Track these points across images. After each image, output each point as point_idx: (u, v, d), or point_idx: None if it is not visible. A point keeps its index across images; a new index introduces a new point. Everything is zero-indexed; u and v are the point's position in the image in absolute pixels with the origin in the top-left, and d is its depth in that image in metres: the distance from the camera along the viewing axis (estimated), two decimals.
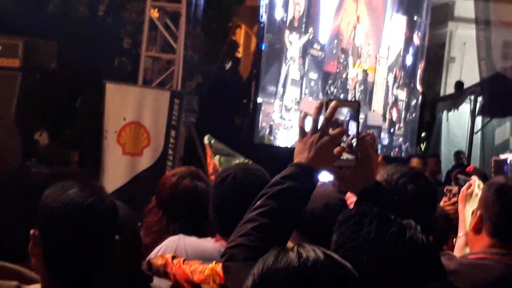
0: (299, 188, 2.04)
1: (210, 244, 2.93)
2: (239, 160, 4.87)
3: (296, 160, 2.10)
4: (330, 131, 2.07)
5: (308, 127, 2.10)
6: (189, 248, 2.90)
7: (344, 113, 2.12)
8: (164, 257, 2.77)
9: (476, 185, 3.56)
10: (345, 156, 2.08)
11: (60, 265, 2.03)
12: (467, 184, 3.66)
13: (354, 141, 2.10)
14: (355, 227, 1.89)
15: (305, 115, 2.17)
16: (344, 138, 2.09)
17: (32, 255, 2.06)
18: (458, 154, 13.61)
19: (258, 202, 2.05)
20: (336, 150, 2.06)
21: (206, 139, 4.83)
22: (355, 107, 2.14)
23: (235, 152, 5.21)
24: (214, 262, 2.67)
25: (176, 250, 2.89)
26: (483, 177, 6.00)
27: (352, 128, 2.10)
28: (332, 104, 2.06)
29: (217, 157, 4.85)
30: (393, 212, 1.96)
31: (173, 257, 2.76)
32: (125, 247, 2.17)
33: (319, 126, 2.08)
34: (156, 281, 2.61)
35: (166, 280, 2.76)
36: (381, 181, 2.79)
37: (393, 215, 1.93)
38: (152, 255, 2.92)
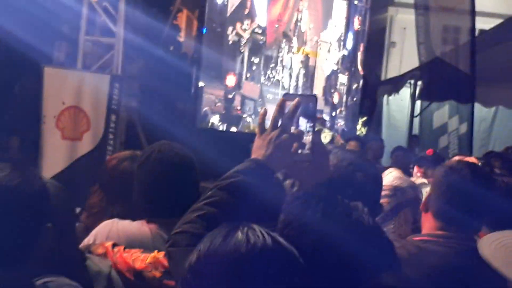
0: (252, 183, 2.01)
1: (142, 227, 2.88)
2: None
3: (253, 156, 2.08)
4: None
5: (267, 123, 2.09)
6: (121, 232, 2.86)
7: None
8: (105, 245, 2.72)
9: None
10: (300, 150, 2.07)
11: None
12: None
13: (309, 135, 2.08)
14: (302, 207, 1.89)
15: (265, 111, 2.16)
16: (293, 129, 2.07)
17: None
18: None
19: (208, 193, 2.03)
20: (293, 146, 2.05)
21: None
22: (312, 101, 2.11)
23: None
24: (156, 251, 2.65)
25: (109, 235, 2.85)
26: (442, 161, 6.11)
27: (307, 122, 2.08)
28: (295, 102, 2.05)
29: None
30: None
31: (114, 245, 2.70)
32: (57, 229, 2.11)
33: (279, 123, 2.06)
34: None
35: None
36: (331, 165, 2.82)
37: (341, 197, 1.93)
38: (85, 241, 2.87)
